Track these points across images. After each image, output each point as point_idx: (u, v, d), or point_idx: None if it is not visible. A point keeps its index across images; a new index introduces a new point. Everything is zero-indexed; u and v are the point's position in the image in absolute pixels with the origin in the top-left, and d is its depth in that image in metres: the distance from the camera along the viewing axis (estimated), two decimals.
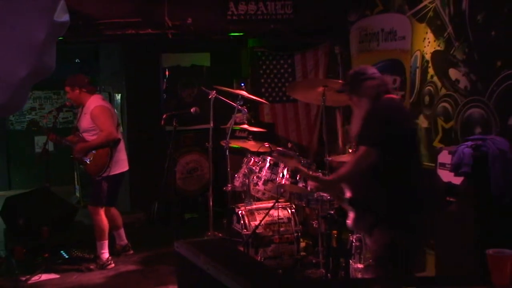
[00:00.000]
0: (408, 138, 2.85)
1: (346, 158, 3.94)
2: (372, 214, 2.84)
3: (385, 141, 2.74)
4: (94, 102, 4.59)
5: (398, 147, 2.77)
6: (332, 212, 3.72)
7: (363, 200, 2.87)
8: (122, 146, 4.70)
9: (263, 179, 4.28)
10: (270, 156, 4.29)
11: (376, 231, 2.84)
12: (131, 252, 4.94)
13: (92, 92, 4.67)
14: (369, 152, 2.74)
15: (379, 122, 2.78)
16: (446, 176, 3.68)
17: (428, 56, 4.67)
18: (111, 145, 4.56)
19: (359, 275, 3.54)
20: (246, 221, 4.15)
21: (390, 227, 2.79)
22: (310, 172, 3.27)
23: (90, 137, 4.58)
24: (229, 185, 4.54)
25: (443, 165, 3.74)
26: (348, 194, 2.98)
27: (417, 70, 4.82)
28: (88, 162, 4.59)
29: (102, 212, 4.61)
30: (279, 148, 3.31)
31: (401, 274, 2.78)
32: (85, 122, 4.59)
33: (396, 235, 2.76)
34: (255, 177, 4.31)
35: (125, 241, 4.94)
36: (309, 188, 4.06)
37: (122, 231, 4.92)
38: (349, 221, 3.05)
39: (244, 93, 4.61)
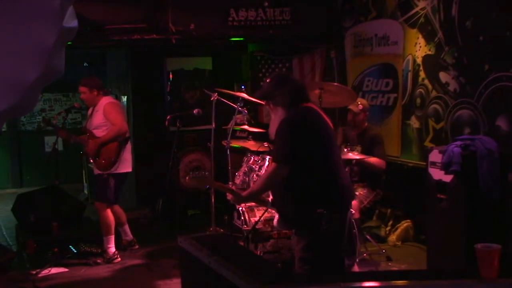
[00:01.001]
0: (318, 148, 2.79)
1: (343, 156, 4.07)
2: (290, 217, 2.85)
3: (294, 156, 2.72)
4: (106, 100, 4.72)
5: (308, 159, 2.74)
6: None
7: (282, 204, 2.87)
8: (129, 146, 4.79)
9: None
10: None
11: (294, 233, 2.86)
12: (137, 247, 5.00)
13: (106, 94, 4.82)
14: (280, 169, 2.73)
15: (287, 139, 2.75)
16: (437, 174, 3.79)
17: (419, 60, 4.78)
18: (120, 140, 4.64)
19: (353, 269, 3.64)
20: (246, 217, 4.19)
21: (304, 229, 2.77)
22: (226, 186, 3.27)
23: (101, 133, 4.67)
24: (230, 183, 4.56)
25: (433, 164, 3.84)
26: (271, 196, 3.02)
27: (409, 73, 4.93)
28: (99, 159, 4.66)
29: (108, 208, 4.69)
30: (188, 177, 3.25)
31: (323, 272, 2.73)
32: (97, 118, 4.69)
33: (311, 237, 2.75)
34: (255, 175, 4.37)
35: (130, 236, 5.01)
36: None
37: (127, 227, 4.99)
38: (275, 222, 3.11)
39: (244, 95, 4.66)
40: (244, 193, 3.01)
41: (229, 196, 3.11)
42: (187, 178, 3.18)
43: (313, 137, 2.79)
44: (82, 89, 4.75)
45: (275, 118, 2.88)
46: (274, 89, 2.88)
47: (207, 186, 3.44)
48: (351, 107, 4.53)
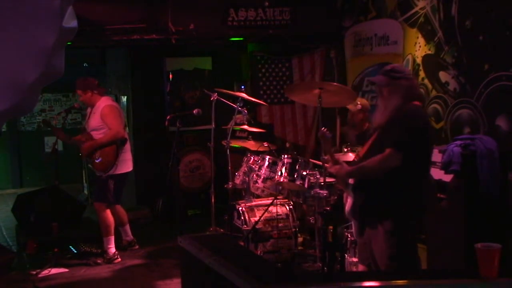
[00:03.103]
0: (428, 145, 2.96)
1: (342, 157, 4.08)
2: (381, 212, 2.94)
3: (410, 146, 2.81)
4: (104, 101, 4.72)
5: (419, 153, 2.88)
6: (328, 208, 3.78)
7: (376, 199, 2.93)
8: (128, 146, 4.80)
9: (262, 177, 4.39)
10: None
11: (386, 229, 2.92)
12: (137, 247, 5.02)
13: (102, 94, 4.81)
14: (395, 155, 2.79)
15: (408, 129, 2.83)
16: (437, 174, 3.75)
17: (419, 60, 4.77)
18: (117, 143, 4.65)
19: (354, 269, 3.66)
20: (246, 217, 4.23)
21: (402, 227, 2.91)
22: (336, 157, 3.31)
23: (98, 135, 4.68)
24: (230, 182, 4.62)
25: (433, 164, 3.75)
26: (351, 180, 3.04)
27: None
28: (97, 161, 4.68)
29: (107, 209, 4.70)
30: (324, 129, 3.33)
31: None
32: (94, 120, 4.70)
33: (407, 235, 2.97)
34: (254, 175, 4.42)
35: (130, 236, 5.03)
36: (306, 185, 4.17)
37: (127, 227, 5.01)
38: (347, 208, 3.13)
39: (244, 95, 4.70)
40: (350, 168, 3.03)
41: (333, 169, 3.13)
42: (320, 132, 3.28)
43: (426, 137, 2.92)
44: (77, 92, 4.79)
45: (385, 106, 2.95)
46: (395, 78, 2.94)
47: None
48: (349, 106, 4.52)
